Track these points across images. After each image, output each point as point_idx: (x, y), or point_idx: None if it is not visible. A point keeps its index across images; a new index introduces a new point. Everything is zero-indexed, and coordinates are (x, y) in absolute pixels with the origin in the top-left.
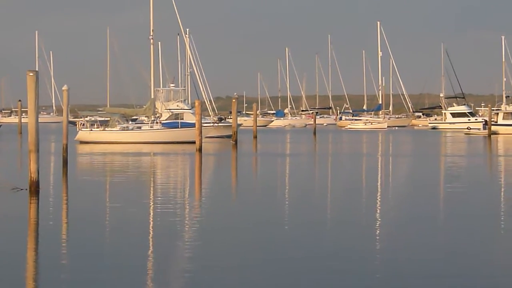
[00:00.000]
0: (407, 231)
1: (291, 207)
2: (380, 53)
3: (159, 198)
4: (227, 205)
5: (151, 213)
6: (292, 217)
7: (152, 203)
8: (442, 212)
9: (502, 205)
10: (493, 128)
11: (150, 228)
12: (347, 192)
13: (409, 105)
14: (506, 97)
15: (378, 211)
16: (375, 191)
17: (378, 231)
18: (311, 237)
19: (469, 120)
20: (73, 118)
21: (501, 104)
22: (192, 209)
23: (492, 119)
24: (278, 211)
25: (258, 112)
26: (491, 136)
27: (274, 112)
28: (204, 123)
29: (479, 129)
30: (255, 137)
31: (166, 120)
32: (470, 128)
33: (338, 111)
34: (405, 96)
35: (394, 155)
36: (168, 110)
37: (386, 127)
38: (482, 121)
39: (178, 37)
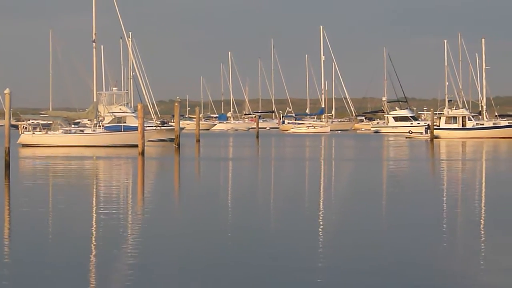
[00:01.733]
0: (349, 238)
1: (233, 212)
2: (323, 58)
3: (102, 203)
4: (169, 209)
5: (94, 218)
6: (235, 223)
7: (94, 208)
8: (385, 220)
9: (443, 212)
10: (435, 132)
11: (93, 233)
12: (289, 198)
13: (352, 109)
14: (448, 101)
15: (320, 217)
16: (317, 196)
17: (320, 239)
18: (253, 244)
19: (411, 124)
20: (16, 121)
21: (444, 108)
22: (135, 214)
23: (435, 123)
24: (221, 216)
25: (201, 115)
26: (433, 140)
27: (217, 115)
28: (146, 126)
29: (421, 133)
30: (198, 140)
31: (108, 123)
32: (412, 132)
33: (281, 115)
34: (348, 100)
35: (337, 159)
36: (111, 114)
37: (329, 131)
38: (424, 125)
39: (120, 40)
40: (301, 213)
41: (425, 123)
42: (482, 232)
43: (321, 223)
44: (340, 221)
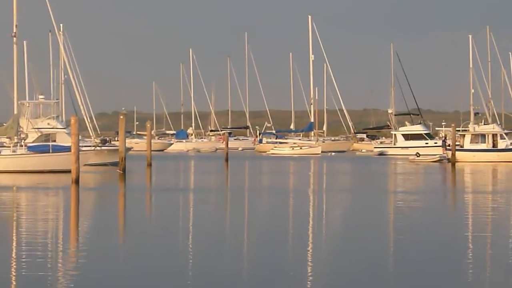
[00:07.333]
0: None
1: (194, 256)
2: (312, 57)
3: (24, 247)
4: (110, 253)
5: (15, 265)
6: (194, 267)
7: (15, 253)
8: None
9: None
10: (457, 155)
11: (14, 282)
12: (265, 242)
13: (350, 124)
14: (474, 114)
15: (308, 264)
16: (305, 238)
17: None
18: None
19: (426, 143)
20: None
21: (469, 123)
22: (66, 260)
23: (457, 143)
24: (177, 261)
25: (153, 132)
26: (454, 164)
27: (174, 132)
28: (82, 146)
29: (436, 155)
30: (150, 165)
31: (33, 142)
32: (419, 155)
33: (258, 132)
34: (344, 112)
35: (329, 190)
36: (36, 130)
37: (319, 152)
38: (441, 144)
39: (50, 34)
40: (281, 261)
41: (442, 139)
42: None
43: (309, 271)
44: (331, 268)
